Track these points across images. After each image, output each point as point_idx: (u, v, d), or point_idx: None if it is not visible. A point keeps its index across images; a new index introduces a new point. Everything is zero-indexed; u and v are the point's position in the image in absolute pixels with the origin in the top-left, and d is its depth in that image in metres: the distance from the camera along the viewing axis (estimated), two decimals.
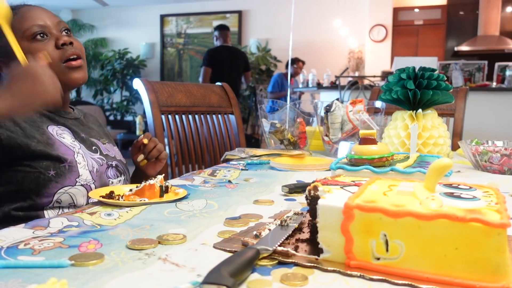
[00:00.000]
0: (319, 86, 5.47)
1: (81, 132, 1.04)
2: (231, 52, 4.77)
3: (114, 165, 1.07)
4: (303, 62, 6.29)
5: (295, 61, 6.15)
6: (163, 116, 1.65)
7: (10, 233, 0.58)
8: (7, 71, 0.98)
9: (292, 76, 5.98)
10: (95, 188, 0.95)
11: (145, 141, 1.10)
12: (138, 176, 1.18)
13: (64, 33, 1.00)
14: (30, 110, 0.82)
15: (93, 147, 1.05)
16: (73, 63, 0.98)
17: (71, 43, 0.98)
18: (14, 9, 0.97)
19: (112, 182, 1.04)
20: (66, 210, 0.93)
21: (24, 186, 0.90)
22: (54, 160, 0.91)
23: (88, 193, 0.94)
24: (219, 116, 1.90)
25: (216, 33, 4.81)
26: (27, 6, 0.99)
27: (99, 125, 1.18)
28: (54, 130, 0.98)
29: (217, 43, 4.80)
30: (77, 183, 0.94)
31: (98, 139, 1.10)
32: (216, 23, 8.02)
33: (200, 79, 4.71)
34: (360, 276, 0.45)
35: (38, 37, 0.95)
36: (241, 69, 4.78)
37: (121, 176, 1.08)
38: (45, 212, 0.91)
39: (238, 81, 4.69)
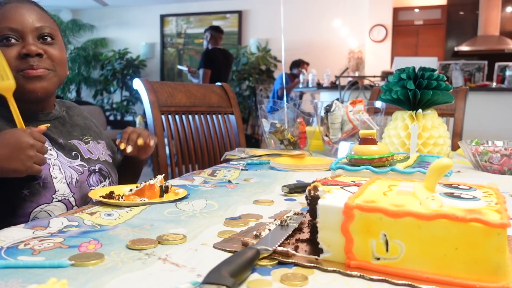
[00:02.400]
0: (319, 86, 5.47)
1: (59, 137, 0.98)
2: (225, 54, 4.81)
3: (97, 170, 1.01)
4: (308, 64, 6.29)
5: (299, 63, 6.16)
6: (163, 116, 1.64)
7: (10, 233, 0.58)
8: None
9: (296, 77, 5.99)
10: (75, 201, 0.92)
11: (122, 146, 1.02)
12: (128, 163, 1.15)
13: (41, 40, 0.93)
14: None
15: (73, 153, 0.98)
16: (30, 71, 0.90)
17: (38, 55, 0.90)
18: (1, 4, 0.92)
19: None
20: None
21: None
22: (27, 178, 0.84)
23: (67, 207, 0.90)
24: (219, 116, 1.90)
25: (208, 33, 4.79)
26: (14, 3, 0.92)
27: (84, 117, 1.12)
28: None
29: (208, 44, 4.80)
30: (54, 199, 0.89)
31: (80, 139, 1.03)
32: (216, 23, 8.03)
33: (200, 81, 4.68)
34: (360, 276, 0.45)
35: (5, 41, 0.89)
36: (229, 72, 4.85)
37: (105, 181, 1.02)
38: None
39: (231, 83, 4.73)
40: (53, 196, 0.89)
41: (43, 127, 0.86)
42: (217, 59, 4.62)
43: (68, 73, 1.02)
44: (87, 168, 0.99)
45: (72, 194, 0.92)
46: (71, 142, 1.00)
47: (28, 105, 0.95)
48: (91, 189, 0.95)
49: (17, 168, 0.78)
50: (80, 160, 0.99)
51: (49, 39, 0.94)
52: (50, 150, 0.93)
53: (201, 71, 4.71)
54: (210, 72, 4.52)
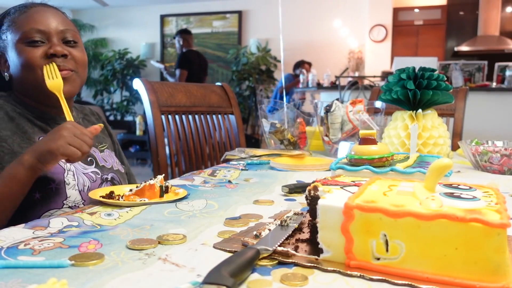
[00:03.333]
0: (319, 86, 5.47)
1: None
2: (200, 56, 4.94)
3: (109, 179, 1.03)
4: (310, 64, 6.29)
5: (302, 63, 6.18)
6: (163, 116, 1.64)
7: (10, 233, 0.58)
8: (5, 65, 0.97)
9: (298, 76, 6.02)
10: None
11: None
12: None
13: (65, 42, 0.97)
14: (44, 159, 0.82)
15: (89, 159, 1.00)
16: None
17: (64, 55, 0.94)
18: (26, 6, 0.96)
19: None
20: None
21: None
22: (40, 181, 0.86)
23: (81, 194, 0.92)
24: (219, 116, 1.90)
25: (179, 37, 4.91)
26: (39, 7, 0.97)
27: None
28: None
29: (182, 47, 4.91)
30: (64, 205, 0.90)
31: (95, 146, 1.05)
32: (216, 23, 8.04)
33: (176, 81, 4.72)
34: (360, 276, 0.45)
35: (31, 42, 0.93)
36: (204, 73, 4.97)
37: None
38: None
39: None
40: (64, 202, 0.90)
41: (98, 126, 0.89)
42: (193, 60, 4.74)
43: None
44: (100, 176, 1.00)
45: (82, 201, 0.93)
46: None
47: (50, 109, 0.99)
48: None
49: (50, 147, 0.80)
50: (95, 167, 1.00)
51: (72, 42, 0.98)
52: None
53: (177, 71, 4.79)
54: (186, 73, 4.61)
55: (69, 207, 0.90)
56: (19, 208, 0.85)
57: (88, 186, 0.96)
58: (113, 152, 1.13)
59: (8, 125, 0.91)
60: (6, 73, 0.98)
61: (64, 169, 0.92)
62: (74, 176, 0.93)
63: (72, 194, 0.91)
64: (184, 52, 4.84)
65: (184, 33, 4.90)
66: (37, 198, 0.87)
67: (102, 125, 0.92)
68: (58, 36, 0.95)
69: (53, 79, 0.91)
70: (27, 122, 0.95)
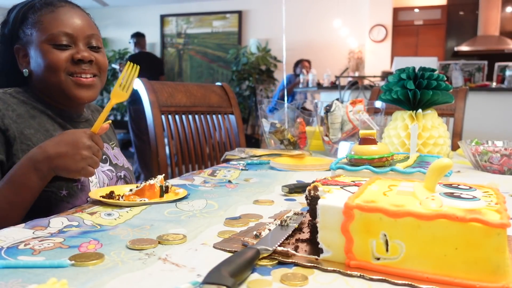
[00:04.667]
0: (319, 86, 5.47)
1: None
2: (149, 58, 5.24)
3: (122, 176, 1.04)
4: (309, 62, 6.30)
5: (300, 62, 6.21)
6: (163, 116, 1.64)
7: (10, 233, 0.58)
8: (25, 60, 0.96)
9: (298, 76, 6.03)
10: None
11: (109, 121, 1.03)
12: None
13: (90, 47, 0.97)
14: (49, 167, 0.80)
15: (103, 157, 1.00)
16: (82, 79, 0.94)
17: (90, 61, 0.95)
18: (53, 4, 0.95)
19: None
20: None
21: (35, 204, 0.84)
22: (67, 179, 0.86)
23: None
24: (219, 116, 1.90)
25: (133, 40, 5.24)
26: (67, 7, 0.96)
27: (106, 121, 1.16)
28: None
29: (135, 49, 5.23)
30: (89, 202, 0.89)
31: (107, 143, 1.06)
32: (216, 23, 8.04)
33: None
34: (360, 276, 0.45)
35: (58, 44, 0.93)
36: (157, 73, 5.23)
37: None
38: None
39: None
40: (88, 199, 0.89)
41: (106, 124, 0.87)
42: (141, 61, 5.10)
43: None
44: (115, 173, 1.01)
45: None
46: None
47: (68, 108, 0.99)
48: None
49: (69, 167, 0.79)
50: (109, 165, 1.01)
51: (96, 47, 0.98)
52: None
53: None
54: None
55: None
56: (45, 204, 0.86)
57: (107, 184, 0.97)
58: (119, 151, 1.14)
59: (31, 122, 0.91)
60: (25, 69, 0.96)
61: None
62: (96, 174, 0.94)
63: None
64: (132, 54, 5.18)
65: (135, 37, 5.26)
66: (64, 195, 0.88)
67: (110, 121, 0.92)
68: (85, 40, 0.96)
69: (123, 90, 0.91)
70: (48, 119, 0.95)
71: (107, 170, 1.00)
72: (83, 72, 0.94)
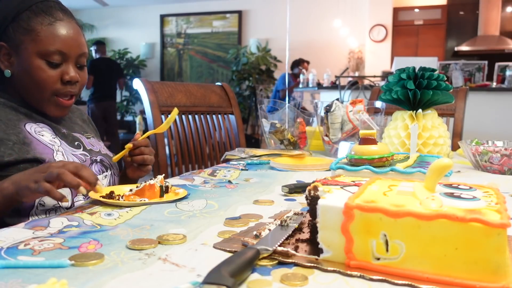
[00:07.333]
0: (319, 86, 5.47)
1: (62, 128, 1.01)
2: (107, 63, 5.85)
3: (99, 160, 1.03)
4: (308, 62, 6.31)
5: (300, 62, 6.22)
6: (163, 116, 1.64)
7: (10, 234, 0.58)
8: (8, 60, 0.94)
9: (298, 76, 6.03)
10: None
11: (130, 145, 1.01)
12: (123, 177, 1.11)
13: (79, 66, 0.98)
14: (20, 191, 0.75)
15: (76, 143, 1.01)
16: (64, 101, 0.96)
17: (76, 82, 0.97)
18: (52, 15, 0.93)
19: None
20: (52, 212, 0.88)
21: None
22: (30, 162, 0.86)
23: (72, 192, 0.90)
24: (219, 116, 1.90)
25: (94, 47, 5.83)
26: (65, 21, 0.95)
27: (83, 120, 1.15)
28: (32, 128, 0.93)
29: (96, 55, 5.82)
30: (88, 202, 0.87)
31: (81, 134, 1.06)
32: (216, 23, 8.04)
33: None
34: (360, 276, 0.45)
35: (50, 61, 0.92)
36: (116, 75, 5.87)
37: (106, 171, 1.03)
38: (31, 218, 0.86)
39: (114, 87, 5.87)
40: (87, 199, 0.88)
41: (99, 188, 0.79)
42: (99, 67, 5.57)
43: None
44: (89, 157, 1.01)
45: None
46: (73, 134, 1.03)
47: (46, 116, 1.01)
48: None
49: (27, 185, 0.73)
50: (83, 150, 1.01)
51: (84, 65, 1.00)
52: (54, 138, 0.96)
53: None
54: (92, 78, 5.38)
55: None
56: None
57: None
58: (101, 142, 1.12)
59: None
60: (7, 70, 0.95)
61: (53, 150, 0.92)
62: (64, 156, 0.93)
63: None
64: (91, 60, 5.72)
65: (96, 45, 5.85)
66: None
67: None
68: (75, 59, 0.96)
69: (162, 128, 1.03)
70: (11, 110, 0.94)
71: (80, 154, 0.99)
72: (67, 93, 0.96)
